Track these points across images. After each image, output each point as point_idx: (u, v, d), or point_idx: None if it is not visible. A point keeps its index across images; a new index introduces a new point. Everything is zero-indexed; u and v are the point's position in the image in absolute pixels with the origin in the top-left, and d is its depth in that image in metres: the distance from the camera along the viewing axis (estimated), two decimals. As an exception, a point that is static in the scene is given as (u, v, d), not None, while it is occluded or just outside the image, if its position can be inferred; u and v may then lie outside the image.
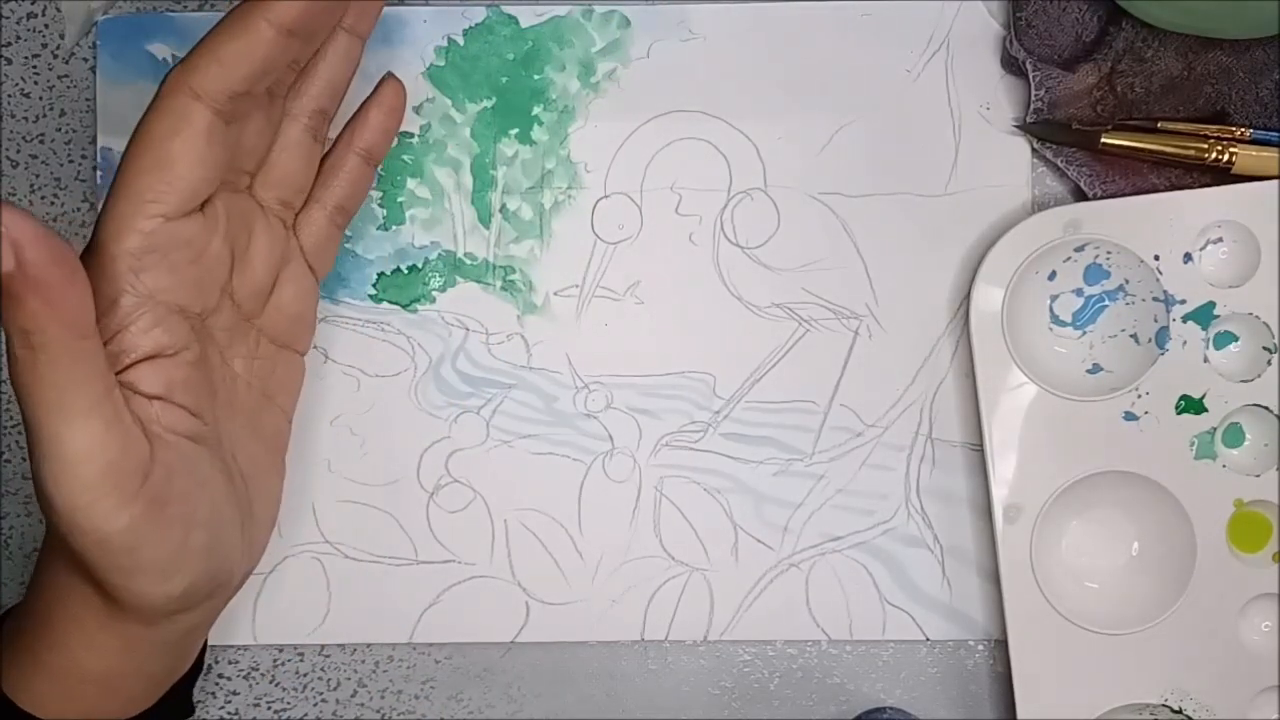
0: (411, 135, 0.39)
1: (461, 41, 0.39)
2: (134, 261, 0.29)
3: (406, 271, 0.39)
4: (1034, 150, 0.39)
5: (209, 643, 0.39)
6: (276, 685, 0.40)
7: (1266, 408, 0.37)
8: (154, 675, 0.33)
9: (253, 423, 0.34)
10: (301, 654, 0.40)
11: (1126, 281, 0.38)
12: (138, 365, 0.29)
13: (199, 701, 0.40)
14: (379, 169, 0.37)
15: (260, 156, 0.33)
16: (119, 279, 0.29)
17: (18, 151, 0.39)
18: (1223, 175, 0.38)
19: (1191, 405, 0.38)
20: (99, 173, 0.39)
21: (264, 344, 0.34)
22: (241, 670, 0.40)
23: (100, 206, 0.29)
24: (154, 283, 0.29)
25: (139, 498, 0.28)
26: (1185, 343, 0.37)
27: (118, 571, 0.29)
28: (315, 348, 0.39)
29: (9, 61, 0.39)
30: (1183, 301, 0.37)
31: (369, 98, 0.36)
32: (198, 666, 0.36)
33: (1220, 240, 0.38)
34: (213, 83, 0.29)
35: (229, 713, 0.40)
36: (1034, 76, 0.37)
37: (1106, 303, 0.38)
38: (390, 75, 0.36)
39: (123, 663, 0.32)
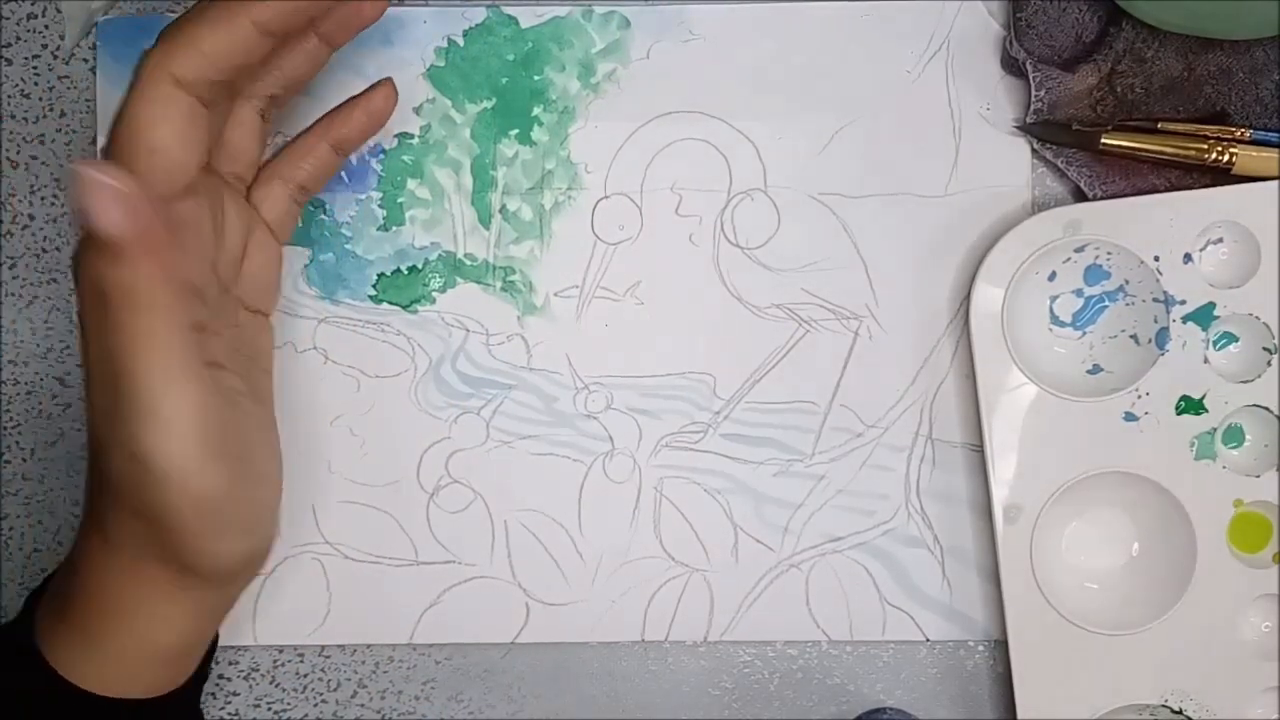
0: (412, 136, 0.39)
1: (461, 42, 0.39)
2: None
3: (406, 272, 0.39)
4: (1034, 151, 0.39)
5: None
6: (276, 686, 0.40)
7: (1266, 408, 0.37)
8: (208, 641, 0.34)
9: (251, 386, 0.35)
10: (301, 655, 0.40)
11: (1126, 282, 0.38)
12: None
13: (199, 702, 0.40)
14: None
15: (218, 134, 0.33)
16: None
17: (18, 152, 0.39)
18: (1223, 175, 0.38)
19: (1191, 406, 0.38)
20: (99, 173, 0.39)
21: (242, 311, 0.35)
22: (241, 671, 0.40)
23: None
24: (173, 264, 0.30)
25: (227, 455, 0.29)
26: (1185, 343, 0.37)
27: (206, 534, 0.29)
28: (315, 348, 0.39)
29: (9, 62, 0.39)
30: (1183, 302, 0.37)
31: (359, 96, 0.36)
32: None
33: (1220, 240, 0.38)
34: (195, 71, 0.29)
35: (229, 713, 0.40)
36: (1034, 77, 0.37)
37: (1106, 303, 0.38)
38: (388, 81, 0.36)
39: (192, 633, 0.33)
